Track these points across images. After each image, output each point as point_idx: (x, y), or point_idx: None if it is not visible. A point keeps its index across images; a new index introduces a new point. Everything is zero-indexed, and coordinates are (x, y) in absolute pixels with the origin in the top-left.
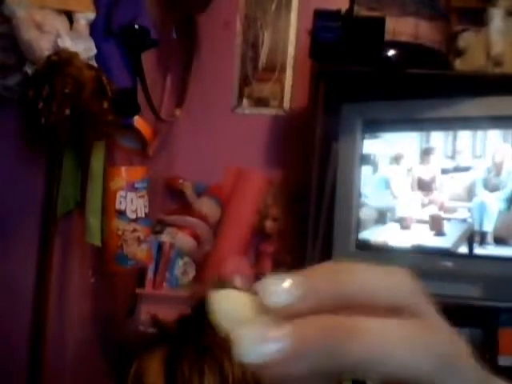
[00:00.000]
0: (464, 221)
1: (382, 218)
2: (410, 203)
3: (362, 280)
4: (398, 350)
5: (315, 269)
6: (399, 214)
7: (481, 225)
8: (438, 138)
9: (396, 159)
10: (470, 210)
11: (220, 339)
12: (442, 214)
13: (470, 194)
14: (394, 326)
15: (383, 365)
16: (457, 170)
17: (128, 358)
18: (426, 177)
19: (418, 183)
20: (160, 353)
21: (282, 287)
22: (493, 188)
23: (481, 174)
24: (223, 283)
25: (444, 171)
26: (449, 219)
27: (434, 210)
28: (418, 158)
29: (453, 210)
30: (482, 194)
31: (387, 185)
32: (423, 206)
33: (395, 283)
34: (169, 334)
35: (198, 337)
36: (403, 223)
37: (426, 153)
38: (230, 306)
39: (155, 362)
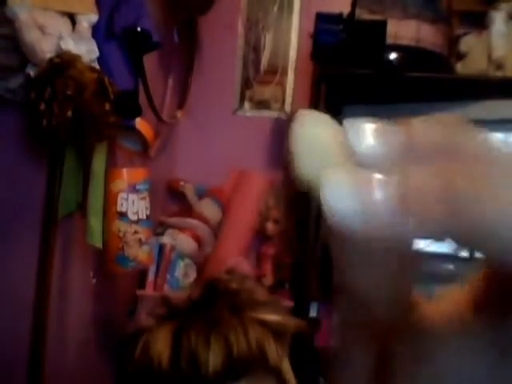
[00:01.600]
0: None
1: None
2: None
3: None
4: None
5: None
6: None
7: None
8: None
9: None
10: None
11: (227, 315)
12: None
13: None
14: None
15: None
16: None
17: (137, 332)
18: None
19: None
20: (168, 325)
21: (374, 133)
22: None
23: None
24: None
25: None
26: None
27: None
28: None
29: None
30: None
31: None
32: None
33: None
34: (178, 311)
35: (205, 311)
36: None
37: None
38: (317, 144)
39: (163, 332)
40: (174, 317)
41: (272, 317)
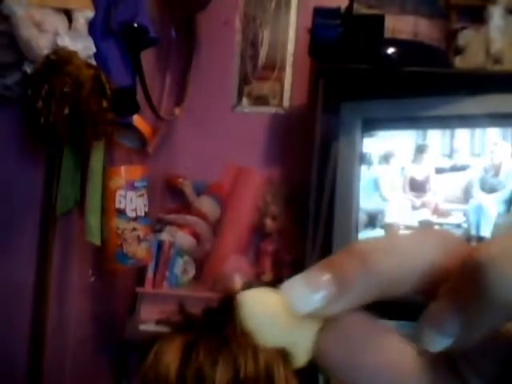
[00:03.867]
0: (459, 226)
1: (372, 221)
2: (400, 206)
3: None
4: None
5: (339, 259)
6: (389, 217)
7: (478, 229)
8: (436, 136)
9: (394, 157)
10: (465, 213)
11: (239, 335)
12: (435, 219)
13: (466, 195)
14: None
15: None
16: (453, 169)
17: (152, 340)
18: (419, 176)
19: (410, 183)
20: (182, 337)
21: (309, 290)
22: (490, 189)
23: (478, 174)
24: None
25: (438, 170)
26: (441, 224)
27: (426, 213)
28: (412, 156)
29: (447, 214)
30: (479, 196)
31: (377, 185)
32: (415, 208)
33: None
34: (193, 322)
35: (219, 328)
36: (388, 230)
37: (420, 151)
38: (261, 309)
39: (175, 344)
40: (189, 328)
41: None
